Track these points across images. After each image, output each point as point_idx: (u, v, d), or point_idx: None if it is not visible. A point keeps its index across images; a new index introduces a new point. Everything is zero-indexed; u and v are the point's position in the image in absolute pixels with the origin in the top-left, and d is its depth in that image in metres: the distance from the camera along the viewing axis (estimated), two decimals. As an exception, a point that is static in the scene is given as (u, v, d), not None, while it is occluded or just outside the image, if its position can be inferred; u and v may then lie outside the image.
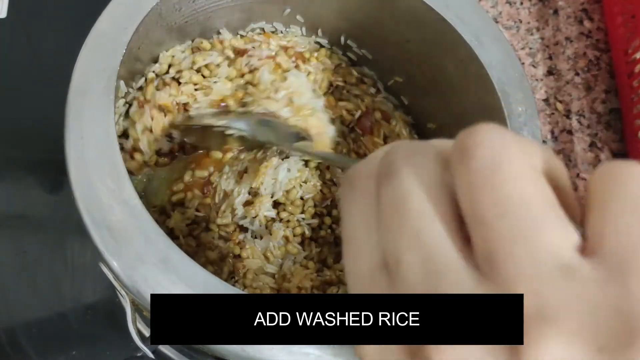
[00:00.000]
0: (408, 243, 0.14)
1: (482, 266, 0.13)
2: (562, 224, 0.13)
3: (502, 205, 0.13)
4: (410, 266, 0.14)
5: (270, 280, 0.36)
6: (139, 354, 0.32)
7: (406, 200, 0.14)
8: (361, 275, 0.15)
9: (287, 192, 0.39)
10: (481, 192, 0.13)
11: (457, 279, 0.13)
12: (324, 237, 0.39)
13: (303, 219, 0.39)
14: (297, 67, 0.42)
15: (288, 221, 0.39)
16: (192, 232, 0.37)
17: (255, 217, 0.37)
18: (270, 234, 0.38)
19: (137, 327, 0.31)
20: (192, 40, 0.40)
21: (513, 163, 0.13)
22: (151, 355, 0.32)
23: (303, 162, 0.40)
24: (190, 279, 0.25)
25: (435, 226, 0.14)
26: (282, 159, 0.39)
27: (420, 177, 0.14)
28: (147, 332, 0.36)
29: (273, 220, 0.38)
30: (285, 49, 0.41)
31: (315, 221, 0.39)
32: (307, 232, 0.39)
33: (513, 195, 0.13)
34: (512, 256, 0.12)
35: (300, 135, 0.38)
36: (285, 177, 0.38)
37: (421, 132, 0.44)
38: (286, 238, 0.38)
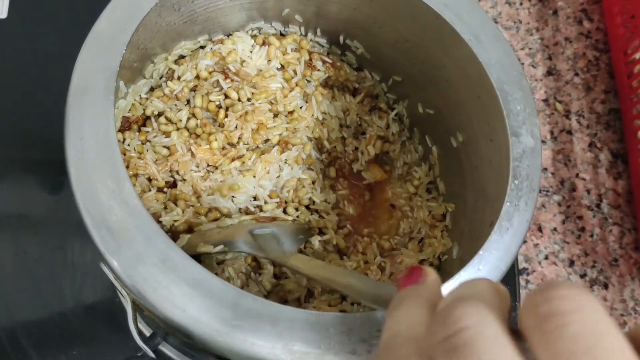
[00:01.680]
0: None
1: None
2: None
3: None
4: None
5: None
6: (139, 354, 0.32)
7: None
8: None
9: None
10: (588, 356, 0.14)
11: None
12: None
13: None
14: (302, 78, 0.42)
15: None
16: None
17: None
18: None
19: (138, 327, 0.31)
20: (195, 39, 0.40)
21: (606, 331, 0.14)
22: (152, 355, 0.32)
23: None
24: (190, 278, 0.25)
25: None
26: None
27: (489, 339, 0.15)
28: (147, 332, 0.36)
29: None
30: (286, 65, 0.42)
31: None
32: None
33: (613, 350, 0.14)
34: None
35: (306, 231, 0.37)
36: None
37: (419, 132, 0.44)
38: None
